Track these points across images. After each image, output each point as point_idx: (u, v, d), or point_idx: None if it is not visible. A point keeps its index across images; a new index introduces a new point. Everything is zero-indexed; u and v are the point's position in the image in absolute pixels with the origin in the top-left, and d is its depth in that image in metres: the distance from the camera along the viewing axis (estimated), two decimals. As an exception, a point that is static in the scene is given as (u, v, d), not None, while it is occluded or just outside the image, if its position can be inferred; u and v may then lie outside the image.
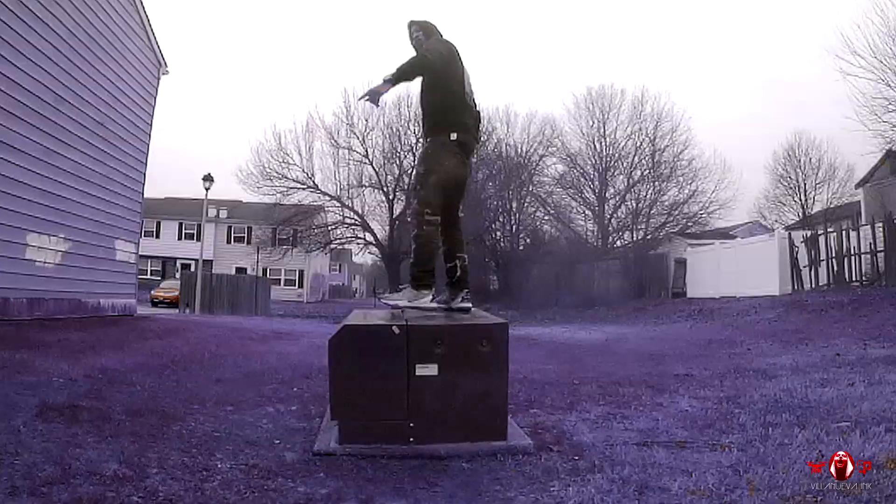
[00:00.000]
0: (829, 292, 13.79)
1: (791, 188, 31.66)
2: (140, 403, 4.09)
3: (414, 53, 3.94)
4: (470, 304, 3.63)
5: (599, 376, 5.89)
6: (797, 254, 15.64)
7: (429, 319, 2.98)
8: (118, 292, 11.39)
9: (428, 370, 2.83)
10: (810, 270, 15.36)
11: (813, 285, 15.21)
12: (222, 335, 9.35)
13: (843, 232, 14.82)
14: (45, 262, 9.06)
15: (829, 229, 15.63)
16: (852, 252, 14.54)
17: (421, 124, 3.99)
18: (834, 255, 14.86)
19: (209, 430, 3.49)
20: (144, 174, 12.22)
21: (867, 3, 17.76)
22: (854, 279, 14.37)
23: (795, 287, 15.64)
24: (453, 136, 3.72)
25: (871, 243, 14.18)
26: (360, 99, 3.68)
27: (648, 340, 10.24)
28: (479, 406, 2.89)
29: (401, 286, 3.53)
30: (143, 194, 12.25)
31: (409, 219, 4.35)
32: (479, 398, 2.88)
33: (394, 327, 2.80)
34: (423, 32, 4.05)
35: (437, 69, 3.77)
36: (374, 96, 3.51)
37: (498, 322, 2.92)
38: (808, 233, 16.36)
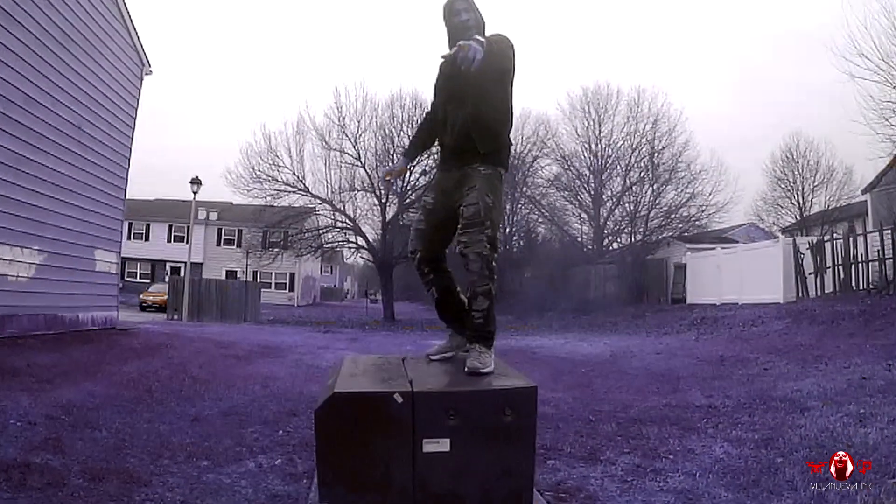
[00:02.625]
0: (836, 301, 13.39)
1: (789, 190, 31.40)
2: (103, 458, 3.56)
3: (449, 41, 2.90)
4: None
5: (616, 409, 5.41)
6: (803, 260, 15.26)
7: (439, 384, 2.47)
8: (98, 304, 10.81)
9: (438, 446, 2.32)
10: (816, 277, 14.99)
11: (818, 293, 14.83)
12: (206, 353, 8.81)
13: (850, 238, 14.44)
14: (17, 276, 8.48)
15: (835, 235, 15.26)
16: (859, 259, 14.17)
17: (464, 133, 2.80)
18: (840, 262, 14.49)
19: (178, 500, 2.98)
20: (126, 179, 11.64)
21: (875, 5, 17.38)
22: (861, 287, 14.00)
23: (800, 294, 15.27)
24: (503, 171, 2.87)
25: (878, 250, 13.82)
26: (445, 56, 2.71)
27: (655, 356, 9.78)
28: (500, 486, 2.39)
29: (479, 349, 2.68)
30: (124, 200, 11.67)
31: (471, 263, 2.62)
32: (499, 477, 2.38)
33: (396, 395, 2.29)
34: (473, 16, 2.89)
35: (512, 71, 2.86)
36: (468, 55, 2.41)
37: (524, 386, 2.41)
38: (814, 239, 15.99)
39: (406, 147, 3.34)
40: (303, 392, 5.90)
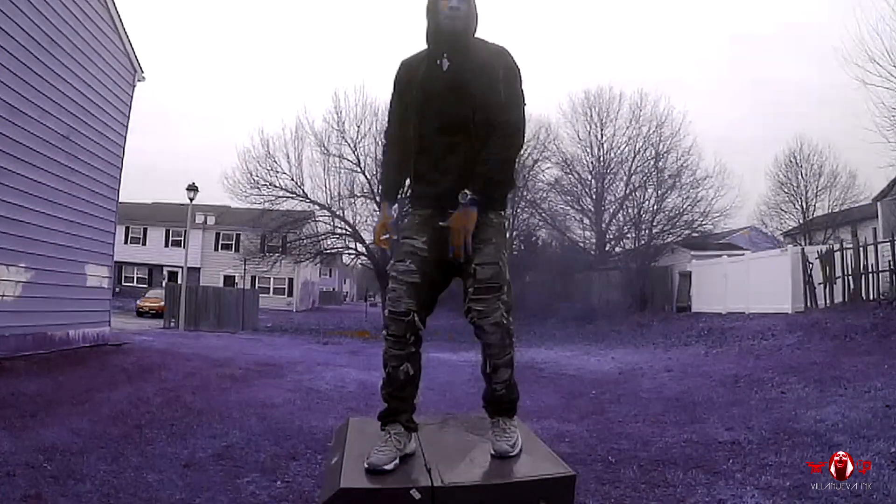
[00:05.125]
0: (846, 312, 13.11)
1: (792, 194, 31.13)
2: (82, 522, 3.24)
3: (429, 37, 2.34)
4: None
5: (635, 445, 5.10)
6: (811, 270, 14.97)
7: (464, 474, 2.14)
8: (90, 321, 10.46)
9: (461, 545, 2.00)
10: (825, 288, 14.70)
11: (827, 303, 14.54)
12: (200, 374, 8.47)
13: (861, 248, 14.17)
14: (3, 296, 8.15)
15: (845, 244, 14.97)
16: (870, 269, 13.90)
17: (470, 176, 2.27)
18: (850, 272, 14.21)
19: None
20: (118, 190, 11.30)
21: (886, 9, 17.08)
22: (871, 297, 13.73)
23: (808, 305, 14.98)
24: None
25: (890, 260, 13.56)
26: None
27: (666, 375, 9.47)
28: (531, 587, 2.06)
29: (503, 424, 2.34)
30: (116, 212, 11.33)
31: (488, 335, 2.29)
32: (530, 577, 2.06)
33: (413, 491, 1.97)
34: (466, 6, 2.30)
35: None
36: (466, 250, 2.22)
37: (562, 475, 2.10)
38: (824, 248, 15.70)
39: (383, 189, 2.63)
40: (301, 426, 5.59)
